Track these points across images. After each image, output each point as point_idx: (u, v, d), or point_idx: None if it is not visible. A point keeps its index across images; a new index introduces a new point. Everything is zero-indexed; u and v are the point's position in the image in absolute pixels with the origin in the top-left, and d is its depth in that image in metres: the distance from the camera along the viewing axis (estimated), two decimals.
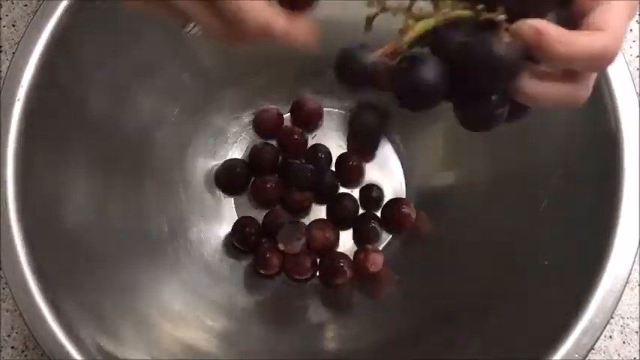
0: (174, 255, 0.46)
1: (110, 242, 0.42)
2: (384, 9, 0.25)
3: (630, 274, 0.35)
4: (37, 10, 0.37)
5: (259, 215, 0.51)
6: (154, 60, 0.45)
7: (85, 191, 0.41)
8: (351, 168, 0.51)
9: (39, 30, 0.37)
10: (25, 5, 0.51)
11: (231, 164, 0.51)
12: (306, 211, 0.51)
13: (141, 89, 0.45)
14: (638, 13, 0.50)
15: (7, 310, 0.46)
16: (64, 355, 0.34)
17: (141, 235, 0.45)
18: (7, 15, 0.51)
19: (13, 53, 0.37)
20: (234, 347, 0.42)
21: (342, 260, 0.48)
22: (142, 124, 0.46)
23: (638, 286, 0.45)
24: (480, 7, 0.24)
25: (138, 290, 0.42)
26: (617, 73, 0.37)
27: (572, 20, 0.25)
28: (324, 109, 0.53)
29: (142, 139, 0.46)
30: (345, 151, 0.52)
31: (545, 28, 0.24)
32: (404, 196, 0.52)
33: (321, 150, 0.52)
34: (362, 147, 0.51)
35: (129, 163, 0.45)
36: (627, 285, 0.35)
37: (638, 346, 0.46)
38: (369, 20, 0.26)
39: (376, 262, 0.47)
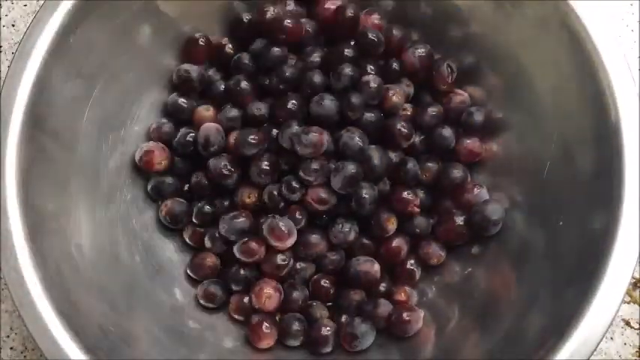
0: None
1: (108, 244, 0.42)
2: None
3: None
4: (37, 10, 0.37)
5: None
6: (156, 60, 0.45)
7: (86, 190, 0.41)
8: None
9: (39, 30, 0.37)
10: (25, 5, 0.51)
11: None
12: None
13: (144, 91, 0.45)
14: (638, 12, 0.50)
15: (6, 311, 0.46)
16: (63, 355, 0.34)
17: (135, 235, 0.44)
18: (6, 15, 0.51)
19: (13, 53, 0.37)
20: None
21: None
22: (144, 124, 0.46)
23: (639, 287, 0.45)
24: None
25: (138, 292, 0.42)
26: (618, 74, 0.37)
27: None
28: None
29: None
30: None
31: None
32: None
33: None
34: None
35: (129, 162, 0.45)
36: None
37: (638, 347, 0.46)
38: None
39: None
